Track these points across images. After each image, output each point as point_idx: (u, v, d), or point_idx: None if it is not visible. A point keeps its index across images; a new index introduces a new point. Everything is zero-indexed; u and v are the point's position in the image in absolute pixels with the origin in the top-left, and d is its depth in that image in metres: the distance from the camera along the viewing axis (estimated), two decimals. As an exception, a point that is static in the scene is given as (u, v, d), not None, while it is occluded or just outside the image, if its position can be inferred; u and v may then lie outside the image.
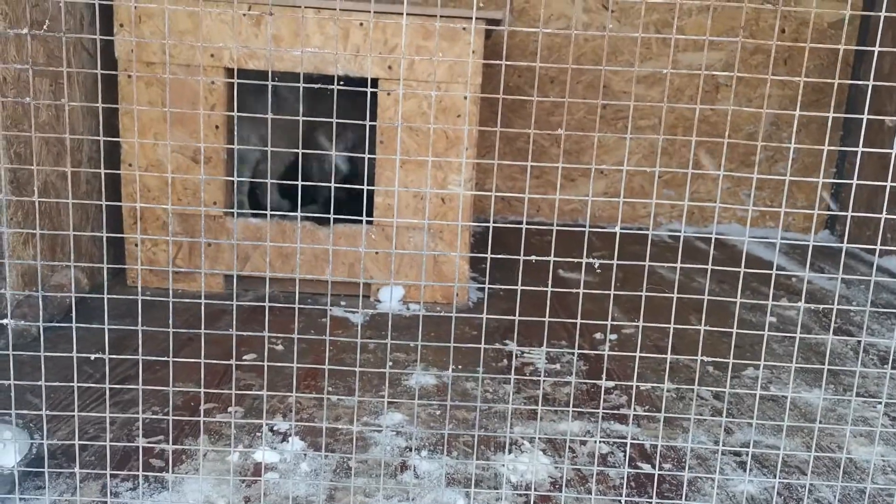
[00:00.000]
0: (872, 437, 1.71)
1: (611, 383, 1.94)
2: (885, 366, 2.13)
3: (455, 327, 2.29)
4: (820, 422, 1.79)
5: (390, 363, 1.99)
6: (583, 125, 4.06)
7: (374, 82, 2.40)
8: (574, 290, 1.21)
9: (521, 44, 3.97)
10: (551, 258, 1.21)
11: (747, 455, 1.60)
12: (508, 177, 4.12)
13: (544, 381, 1.93)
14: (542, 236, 3.59)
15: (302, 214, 2.40)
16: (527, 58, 3.94)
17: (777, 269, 3.29)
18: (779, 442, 1.67)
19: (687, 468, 1.54)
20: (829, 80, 1.15)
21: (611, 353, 2.15)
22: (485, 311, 2.25)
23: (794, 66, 3.96)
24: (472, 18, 2.33)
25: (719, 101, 4.01)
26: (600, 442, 1.61)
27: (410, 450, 1.54)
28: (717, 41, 3.95)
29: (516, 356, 2.11)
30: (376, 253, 2.50)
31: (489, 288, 2.65)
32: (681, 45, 3.93)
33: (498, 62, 1.25)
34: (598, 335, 2.29)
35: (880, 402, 1.93)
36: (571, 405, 1.79)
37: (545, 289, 1.24)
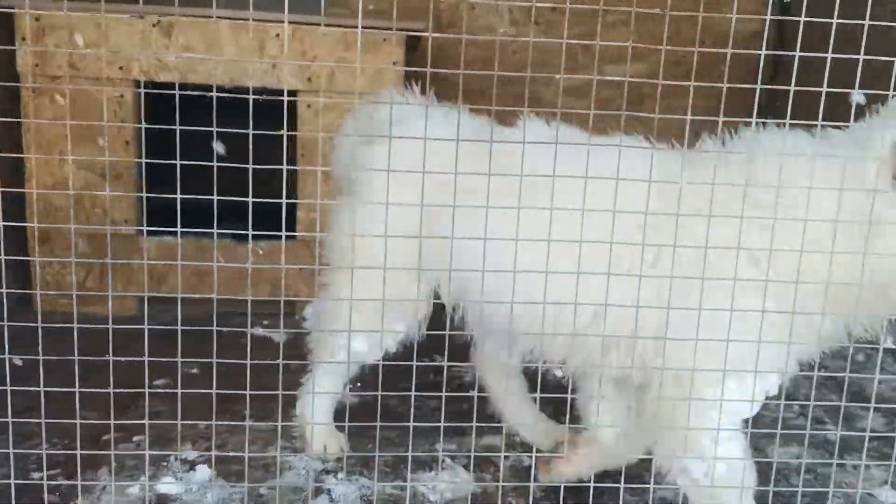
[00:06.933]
0: None
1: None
2: None
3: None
4: None
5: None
6: (512, 137, 4.07)
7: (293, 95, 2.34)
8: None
9: (451, 58, 3.96)
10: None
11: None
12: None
13: (471, 395, 1.88)
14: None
15: (219, 231, 2.32)
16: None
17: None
18: None
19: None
20: (751, 86, 1.16)
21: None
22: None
23: (714, 78, 4.05)
24: (392, 29, 2.30)
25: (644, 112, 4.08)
26: (523, 455, 1.58)
27: (327, 472, 1.48)
28: (640, 48, 4.02)
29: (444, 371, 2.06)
30: (300, 270, 2.43)
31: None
32: (606, 58, 3.99)
33: (422, 69, 1.21)
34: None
35: None
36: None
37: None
